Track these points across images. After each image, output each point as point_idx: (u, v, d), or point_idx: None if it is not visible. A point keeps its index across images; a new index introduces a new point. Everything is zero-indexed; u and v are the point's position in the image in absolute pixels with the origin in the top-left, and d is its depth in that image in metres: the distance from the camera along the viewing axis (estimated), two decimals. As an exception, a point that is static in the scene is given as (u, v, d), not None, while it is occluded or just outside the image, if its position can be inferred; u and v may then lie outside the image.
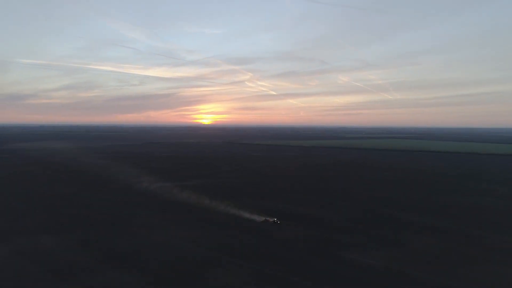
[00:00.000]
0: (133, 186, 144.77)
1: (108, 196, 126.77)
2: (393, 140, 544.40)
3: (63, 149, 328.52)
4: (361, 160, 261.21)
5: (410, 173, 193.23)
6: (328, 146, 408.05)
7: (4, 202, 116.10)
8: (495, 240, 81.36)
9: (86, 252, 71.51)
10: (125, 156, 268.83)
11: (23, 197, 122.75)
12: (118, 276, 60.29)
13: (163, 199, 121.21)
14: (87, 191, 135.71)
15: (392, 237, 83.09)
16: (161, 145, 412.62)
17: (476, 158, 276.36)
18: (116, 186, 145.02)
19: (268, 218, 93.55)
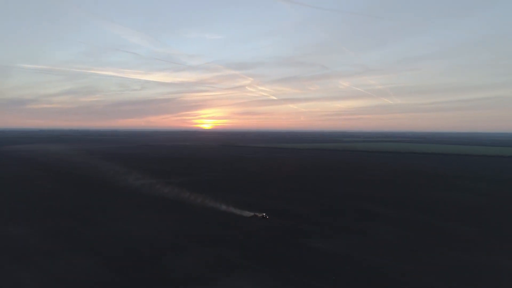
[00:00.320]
0: (116, 182, 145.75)
1: (88, 190, 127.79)
2: (388, 143, 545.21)
3: (56, 150, 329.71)
4: (351, 161, 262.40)
5: (396, 172, 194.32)
6: (322, 149, 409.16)
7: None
8: (456, 230, 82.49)
9: (51, 240, 72.49)
10: (116, 157, 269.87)
11: (1, 191, 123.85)
12: (75, 261, 61.23)
13: (143, 194, 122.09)
14: (69, 186, 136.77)
15: (358, 227, 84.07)
16: (155, 147, 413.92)
17: (465, 159, 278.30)
18: (99, 182, 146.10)
19: (256, 213, 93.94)
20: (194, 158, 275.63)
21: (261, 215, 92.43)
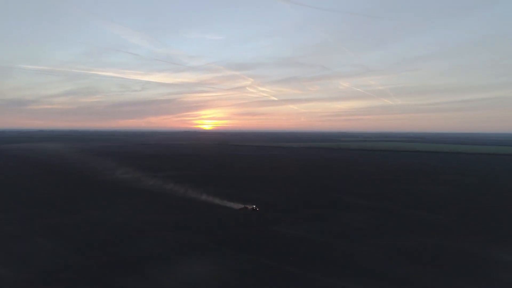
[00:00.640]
0: (105, 176, 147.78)
1: (74, 183, 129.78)
2: (384, 143, 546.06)
3: (52, 148, 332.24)
4: (344, 158, 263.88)
5: (384, 168, 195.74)
6: (318, 147, 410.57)
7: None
8: (422, 217, 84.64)
9: (26, 226, 74.40)
10: (110, 154, 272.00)
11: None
12: (45, 244, 63.10)
13: (127, 186, 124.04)
14: (56, 178, 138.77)
15: (327, 215, 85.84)
16: (152, 146, 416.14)
17: (458, 157, 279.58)
18: (88, 175, 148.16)
19: (247, 206, 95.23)
20: (188, 155, 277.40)
21: (251, 207, 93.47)
